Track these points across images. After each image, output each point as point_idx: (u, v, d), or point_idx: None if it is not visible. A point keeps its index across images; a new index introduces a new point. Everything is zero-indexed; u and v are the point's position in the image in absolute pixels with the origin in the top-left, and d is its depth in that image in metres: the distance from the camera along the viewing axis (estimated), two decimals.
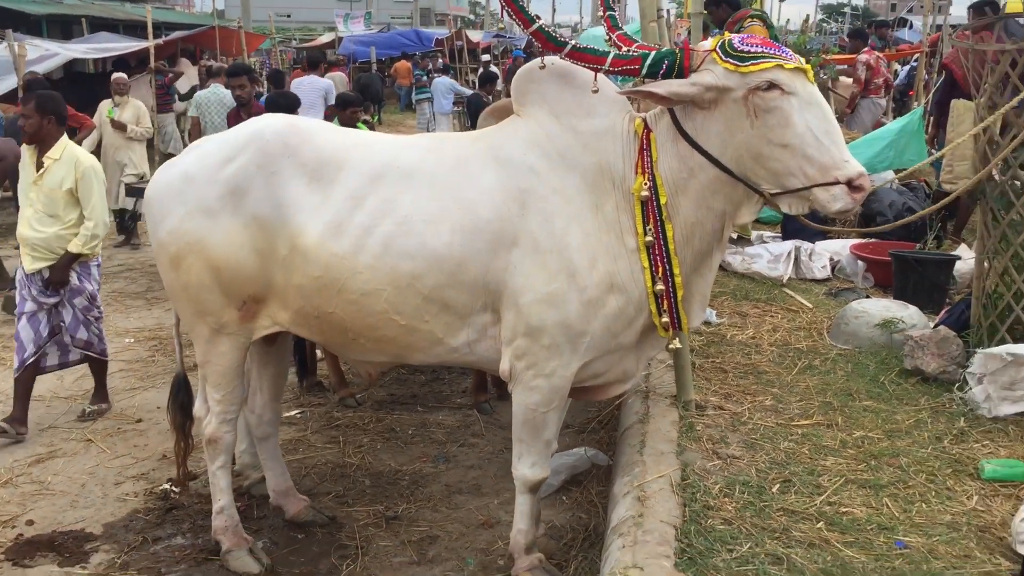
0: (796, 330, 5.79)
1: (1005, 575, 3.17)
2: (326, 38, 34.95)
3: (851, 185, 3.20)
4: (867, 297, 6.34)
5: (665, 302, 3.58)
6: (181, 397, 4.38)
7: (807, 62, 9.42)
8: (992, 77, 4.39)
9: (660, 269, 3.54)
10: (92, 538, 4.47)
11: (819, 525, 3.44)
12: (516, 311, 3.58)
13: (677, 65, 3.40)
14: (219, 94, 11.55)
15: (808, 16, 21.78)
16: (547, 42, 3.47)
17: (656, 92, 3.32)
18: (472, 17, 68.74)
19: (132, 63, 19.03)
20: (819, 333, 5.74)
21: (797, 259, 7.09)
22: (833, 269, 7.20)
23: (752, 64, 3.26)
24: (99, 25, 25.17)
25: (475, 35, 34.15)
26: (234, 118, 7.90)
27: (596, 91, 3.50)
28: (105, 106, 10.95)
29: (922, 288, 6.14)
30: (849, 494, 3.72)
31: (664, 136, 3.50)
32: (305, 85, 12.38)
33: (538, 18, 3.48)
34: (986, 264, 4.81)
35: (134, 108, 10.97)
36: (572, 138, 3.60)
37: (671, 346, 3.80)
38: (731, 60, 3.29)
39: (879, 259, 6.83)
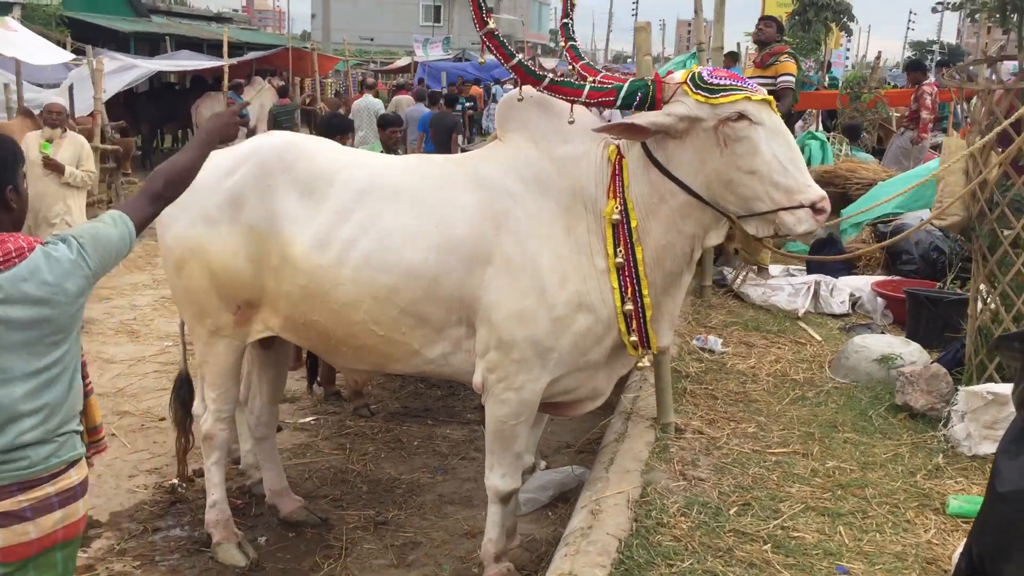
0: (798, 362, 5.83)
1: None
2: (403, 62, 35.69)
3: (814, 208, 3.35)
4: (882, 334, 6.34)
5: (634, 322, 3.72)
6: (183, 394, 4.65)
7: (860, 97, 9.52)
8: (984, 117, 4.42)
9: (630, 289, 3.68)
10: (97, 525, 4.72)
11: (765, 547, 3.52)
12: (488, 326, 3.74)
13: (650, 97, 3.55)
14: (369, 103, 13.99)
15: (879, 52, 21.51)
16: (526, 76, 3.65)
17: (638, 123, 3.47)
18: (552, 45, 69.29)
19: (209, 80, 19.86)
20: (820, 366, 5.77)
21: (817, 293, 7.11)
22: (854, 305, 7.20)
23: (722, 96, 3.41)
24: (184, 44, 26.17)
25: (549, 62, 34.45)
26: None
27: (572, 122, 3.66)
28: (35, 140, 8.03)
29: (934, 327, 6.10)
30: (806, 520, 3.78)
31: (636, 163, 3.65)
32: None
33: (518, 53, 3.68)
34: (979, 303, 4.82)
35: (74, 145, 8.18)
36: (548, 163, 3.77)
37: (640, 365, 3.93)
38: (701, 92, 3.45)
39: (899, 296, 6.80)
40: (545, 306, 3.68)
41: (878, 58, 21.26)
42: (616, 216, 3.65)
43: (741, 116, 3.39)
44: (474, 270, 3.73)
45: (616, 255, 3.67)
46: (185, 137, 20.95)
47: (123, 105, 17.22)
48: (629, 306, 3.69)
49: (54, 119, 8.13)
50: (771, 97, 3.50)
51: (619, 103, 3.60)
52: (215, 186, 4.02)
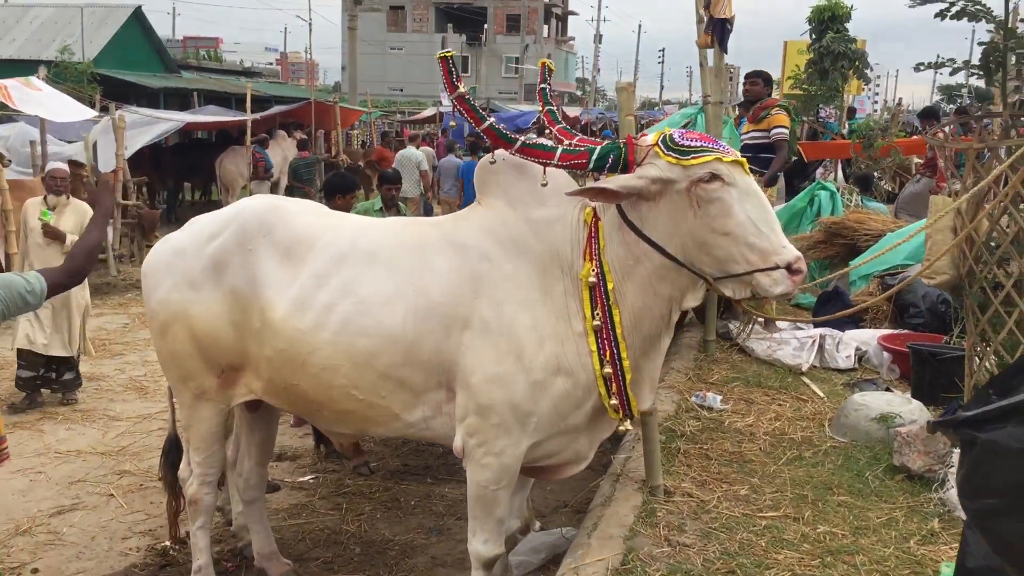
0: (798, 420, 5.74)
1: None
2: (429, 112, 36.09)
3: (790, 269, 3.32)
4: (887, 390, 6.24)
5: (614, 385, 3.68)
6: (172, 457, 4.65)
7: (872, 145, 9.51)
8: (971, 173, 4.37)
9: (608, 352, 3.65)
10: None
11: None
12: (467, 390, 3.72)
13: (622, 159, 3.56)
14: (411, 155, 15.84)
15: (900, 99, 21.53)
16: (498, 139, 3.67)
17: (610, 188, 3.47)
18: (579, 93, 69.83)
19: (234, 134, 20.18)
20: (820, 424, 5.68)
21: (822, 347, 7.02)
22: (860, 359, 7.09)
23: (693, 158, 3.41)
24: (213, 98, 26.68)
25: (572, 111, 34.66)
26: None
27: (545, 185, 3.67)
28: (35, 207, 7.71)
29: (938, 383, 5.98)
30: None
31: (611, 225, 3.65)
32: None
33: (489, 116, 3.70)
34: (976, 361, 4.72)
35: (76, 214, 7.67)
36: (525, 226, 3.77)
37: (621, 428, 3.88)
38: (673, 154, 3.44)
39: (905, 351, 6.69)
40: (523, 370, 3.66)
41: (899, 104, 21.25)
42: (592, 279, 3.64)
43: (713, 177, 3.39)
44: (452, 334, 3.73)
45: (593, 318, 3.65)
46: (209, 191, 21.26)
47: (149, 160, 17.50)
48: (608, 369, 3.66)
49: (58, 185, 7.67)
50: (743, 159, 3.49)
51: (591, 166, 3.61)
52: (199, 250, 4.07)
